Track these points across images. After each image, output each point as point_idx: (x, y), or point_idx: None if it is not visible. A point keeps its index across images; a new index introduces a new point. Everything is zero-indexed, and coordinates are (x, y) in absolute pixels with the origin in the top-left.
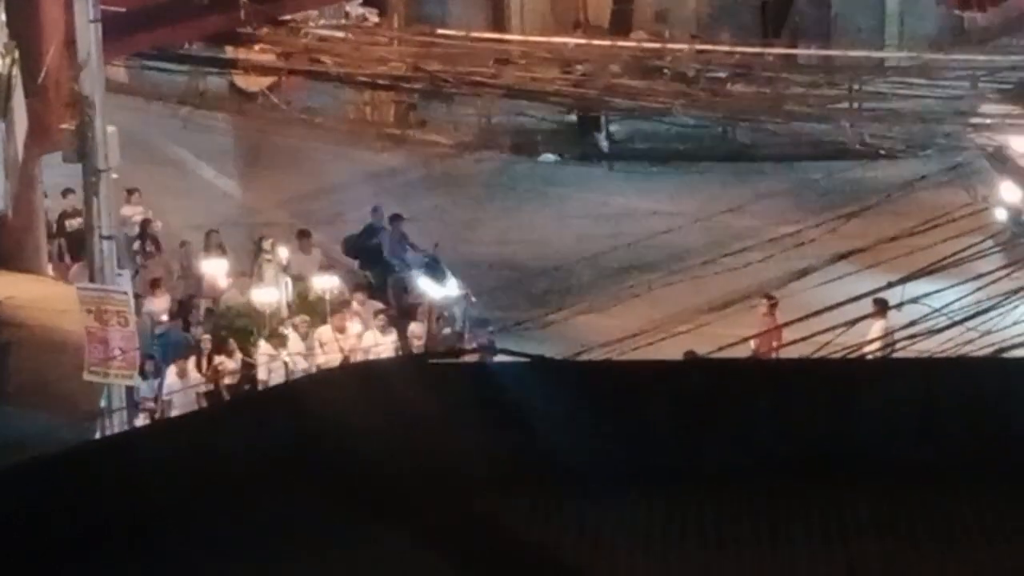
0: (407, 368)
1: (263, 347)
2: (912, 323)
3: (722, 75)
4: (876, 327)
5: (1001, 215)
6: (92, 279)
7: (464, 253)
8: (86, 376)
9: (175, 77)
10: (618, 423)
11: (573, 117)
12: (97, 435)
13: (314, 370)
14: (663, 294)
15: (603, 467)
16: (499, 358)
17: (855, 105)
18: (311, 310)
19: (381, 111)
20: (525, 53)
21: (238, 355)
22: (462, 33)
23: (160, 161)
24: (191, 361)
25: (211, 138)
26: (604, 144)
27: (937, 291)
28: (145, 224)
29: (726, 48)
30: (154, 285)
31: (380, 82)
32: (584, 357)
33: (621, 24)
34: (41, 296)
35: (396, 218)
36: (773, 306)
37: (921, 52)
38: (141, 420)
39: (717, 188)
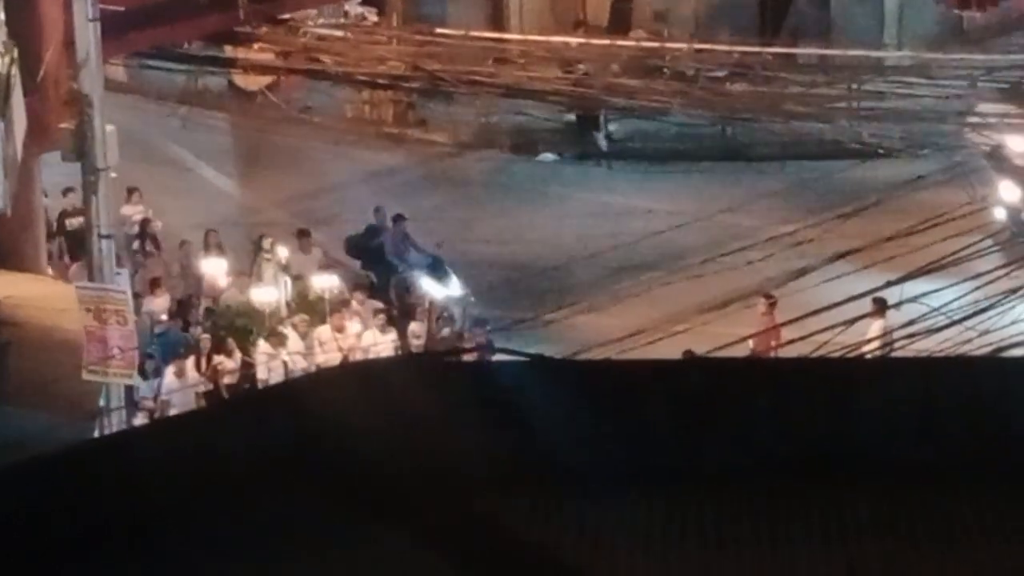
0: (406, 367)
1: (262, 346)
2: (911, 322)
3: (721, 74)
4: (875, 326)
5: (1000, 214)
6: (91, 278)
7: (463, 252)
8: (85, 375)
9: (174, 76)
10: (617, 423)
11: (572, 116)
12: (96, 435)
13: (313, 369)
14: (662, 293)
15: (603, 467)
16: (498, 357)
17: (854, 104)
18: (311, 309)
19: (380, 110)
20: (524, 52)
21: (237, 354)
22: (461, 32)
23: (159, 160)
24: (190, 361)
25: (210, 137)
26: (603, 143)
27: (936, 290)
28: (145, 223)
29: (725, 47)
30: (154, 284)
31: (379, 81)
32: (583, 356)
33: (620, 23)
34: (40, 295)
35: (399, 218)
36: (772, 305)
37: (920, 52)
38: (140, 419)
39: (716, 187)
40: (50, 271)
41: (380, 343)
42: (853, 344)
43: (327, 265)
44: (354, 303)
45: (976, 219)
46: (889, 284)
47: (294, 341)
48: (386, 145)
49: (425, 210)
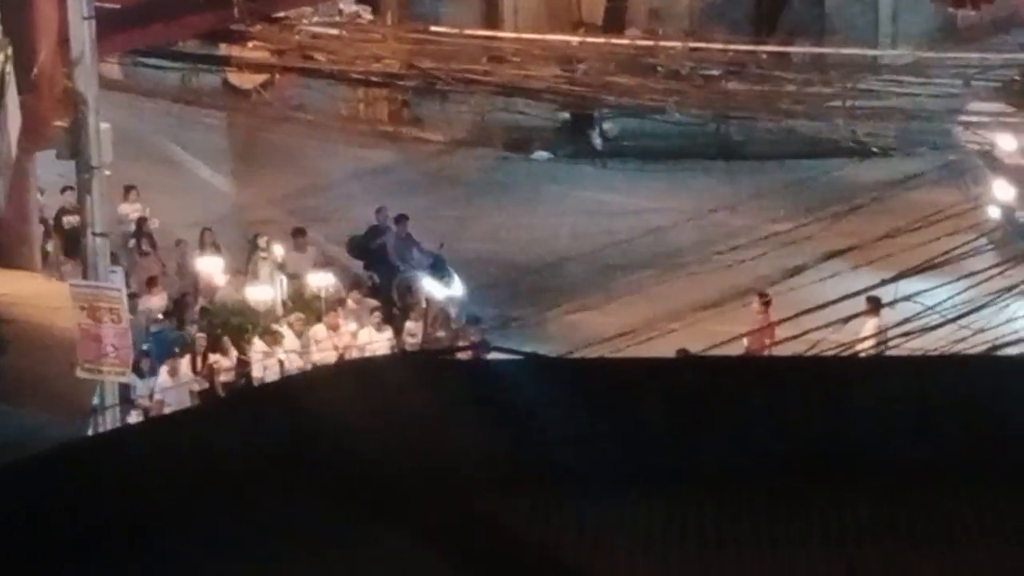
0: (402, 366)
1: (257, 345)
2: (905, 321)
3: (716, 73)
4: (869, 325)
5: (994, 213)
6: (86, 276)
7: (457, 251)
8: (79, 373)
9: (169, 74)
10: (613, 421)
11: (566, 115)
12: (91, 433)
13: (308, 368)
14: (656, 291)
15: (599, 465)
16: (493, 356)
17: (848, 103)
18: (306, 308)
19: (375, 108)
20: (519, 51)
21: (233, 353)
22: (455, 30)
23: (154, 158)
24: (185, 359)
25: (205, 135)
26: (597, 141)
27: (930, 289)
28: (141, 222)
29: (720, 46)
30: (150, 283)
31: (373, 79)
32: (578, 355)
33: (615, 22)
34: (35, 293)
35: (401, 218)
36: (766, 304)
37: (914, 50)
38: (135, 417)
39: (710, 186)
40: (45, 269)
41: (376, 341)
42: (847, 343)
43: (323, 263)
44: (350, 302)
45: (970, 218)
46: (883, 283)
47: (290, 340)
48: (381, 143)
49: (419, 208)
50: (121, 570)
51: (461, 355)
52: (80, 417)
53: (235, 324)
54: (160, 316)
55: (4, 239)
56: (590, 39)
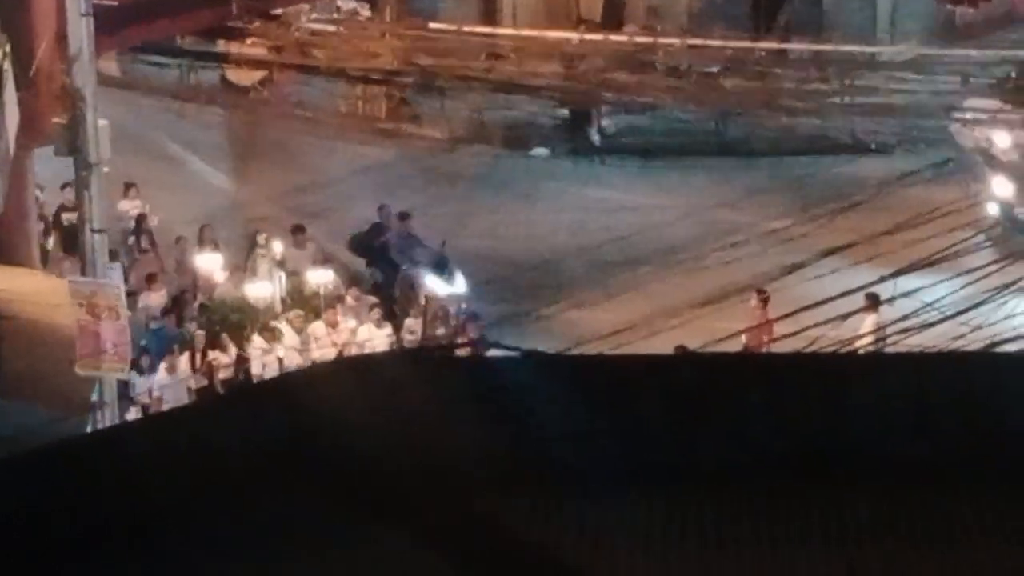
0: (401, 363)
1: (256, 342)
2: (904, 317)
3: (714, 69)
4: (868, 322)
5: (993, 209)
6: (84, 272)
7: (456, 247)
8: (77, 370)
9: (167, 71)
10: (611, 418)
11: (565, 111)
12: (89, 429)
13: (307, 365)
14: (655, 288)
15: (599, 463)
16: (491, 353)
17: (847, 100)
18: (306, 305)
19: (373, 105)
20: (517, 48)
21: (232, 350)
22: (454, 27)
23: (152, 155)
24: (184, 356)
25: (203, 132)
26: (596, 138)
27: (929, 286)
28: (141, 219)
29: (718, 43)
30: (150, 280)
31: (372, 76)
32: (576, 351)
33: (613, 18)
34: (33, 290)
35: (403, 216)
36: (765, 300)
37: (913, 47)
38: (133, 414)
39: (708, 182)
40: (43, 266)
41: (375, 338)
42: (846, 339)
43: (322, 260)
44: (349, 298)
45: (969, 215)
46: (882, 279)
47: (289, 337)
48: (379, 140)
49: (418, 205)
50: (119, 569)
51: (460, 352)
52: (79, 414)
53: (234, 321)
54: (159, 313)
55: (3, 235)
56: (588, 36)
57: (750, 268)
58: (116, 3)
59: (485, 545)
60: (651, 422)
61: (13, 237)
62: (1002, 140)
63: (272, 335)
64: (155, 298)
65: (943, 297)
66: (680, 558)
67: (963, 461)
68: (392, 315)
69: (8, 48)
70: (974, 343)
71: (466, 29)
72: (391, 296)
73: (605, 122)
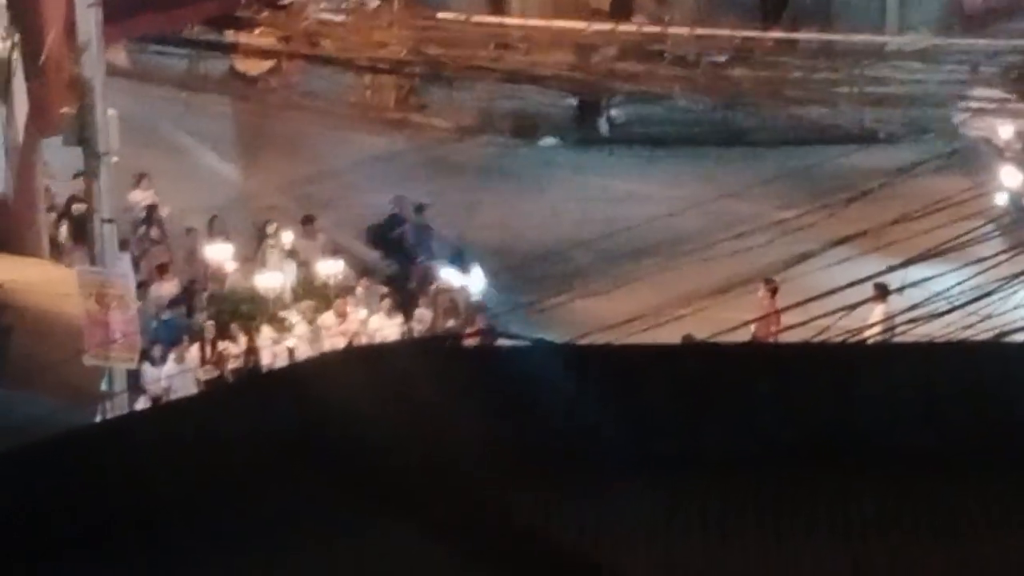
0: (410, 352)
1: (266, 332)
2: (913, 307)
3: (722, 59)
4: (876, 311)
5: (1002, 199)
6: (93, 262)
7: (464, 237)
8: (86, 360)
9: (176, 61)
10: (619, 408)
11: (573, 101)
12: (98, 419)
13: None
14: (663, 278)
15: (606, 454)
16: (499, 342)
17: (855, 90)
18: (316, 295)
19: (381, 95)
20: (525, 37)
21: (242, 340)
22: (462, 17)
23: (161, 145)
24: (194, 347)
25: (211, 122)
26: (604, 128)
27: (938, 275)
28: (151, 209)
29: (726, 32)
30: (161, 270)
31: (380, 66)
32: (584, 341)
33: (622, 8)
34: (42, 280)
35: (420, 208)
36: (773, 290)
37: (921, 37)
38: (143, 404)
39: (717, 172)
40: (56, 256)
41: (385, 328)
42: (855, 329)
43: (332, 251)
44: (359, 289)
45: (978, 204)
46: (891, 269)
47: (300, 327)
48: (387, 130)
49: (426, 195)
50: (125, 562)
51: (469, 341)
52: (88, 404)
53: (244, 312)
54: (169, 304)
55: (11, 225)
56: (597, 26)
57: (758, 258)
58: None
59: (492, 536)
60: (658, 412)
61: (22, 227)
62: (1005, 131)
63: (282, 326)
64: (166, 288)
65: (952, 287)
66: (686, 549)
67: (971, 452)
68: (408, 307)
69: (17, 38)
70: (983, 333)
71: (474, 19)
72: (407, 288)
73: (614, 112)
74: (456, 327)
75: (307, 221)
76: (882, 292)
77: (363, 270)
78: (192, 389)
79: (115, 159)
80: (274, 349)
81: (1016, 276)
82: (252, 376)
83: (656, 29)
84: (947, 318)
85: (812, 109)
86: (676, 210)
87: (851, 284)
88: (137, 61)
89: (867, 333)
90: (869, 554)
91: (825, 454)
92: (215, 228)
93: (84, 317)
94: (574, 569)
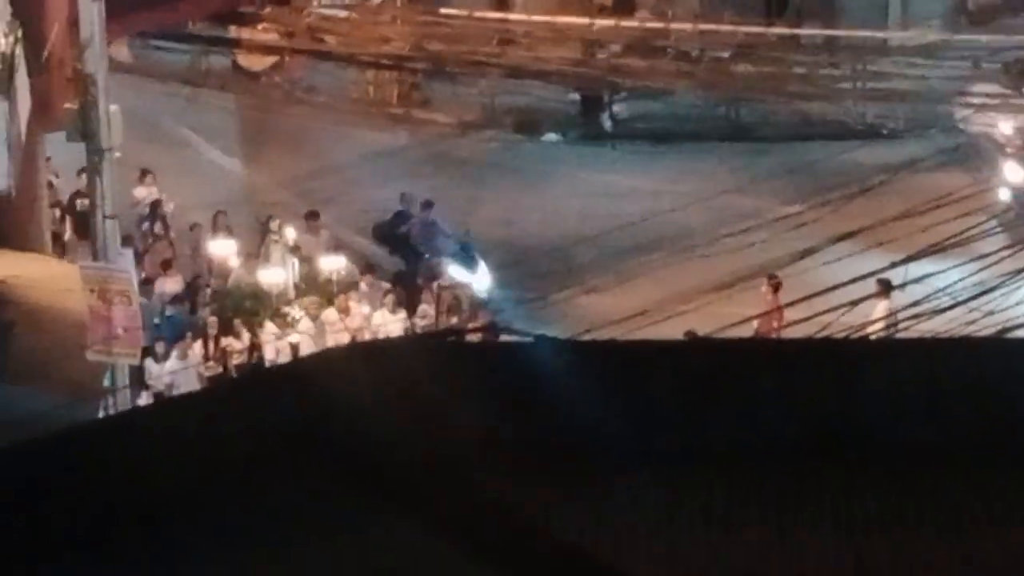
0: (413, 348)
1: (269, 328)
2: (915, 303)
3: (725, 55)
4: (879, 307)
5: (1004, 195)
6: (95, 258)
7: (471, 233)
8: (89, 355)
9: (178, 56)
10: (623, 403)
11: (576, 97)
12: (101, 415)
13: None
14: (666, 274)
15: (610, 449)
16: (503, 337)
17: (858, 85)
18: (319, 291)
19: (384, 90)
20: (528, 33)
21: (246, 336)
22: (465, 13)
23: (163, 141)
24: (197, 343)
25: (215, 118)
26: (607, 124)
27: (940, 271)
28: (155, 205)
29: (729, 28)
30: (165, 266)
31: (383, 61)
32: (587, 337)
33: (625, 4)
34: (45, 275)
35: (427, 204)
36: (776, 286)
37: (925, 32)
38: (146, 400)
39: (720, 168)
40: (59, 251)
41: (389, 324)
42: (857, 325)
43: (335, 247)
44: (363, 285)
45: (980, 200)
46: (893, 265)
47: (303, 323)
48: (390, 125)
49: (429, 190)
50: (128, 557)
51: (472, 337)
52: (90, 399)
53: (247, 307)
54: (172, 299)
55: (14, 221)
56: (600, 21)
57: (761, 253)
58: None
59: (496, 530)
60: (661, 408)
61: (24, 222)
62: (1005, 127)
63: (285, 321)
64: (170, 284)
65: (955, 283)
66: (689, 543)
67: (974, 448)
68: (414, 304)
69: (20, 33)
70: (986, 329)
71: (477, 14)
72: (414, 285)
73: (616, 108)
74: (459, 323)
75: (310, 217)
76: (885, 288)
77: (366, 266)
78: (195, 385)
79: (118, 155)
80: (277, 345)
81: (1019, 272)
82: (255, 372)
83: (659, 25)
84: (949, 314)
85: (815, 105)
86: (679, 206)
87: (854, 280)
88: (140, 56)
89: (870, 329)
90: (872, 549)
91: (828, 450)
92: (219, 224)
93: (87, 312)
94: (577, 563)
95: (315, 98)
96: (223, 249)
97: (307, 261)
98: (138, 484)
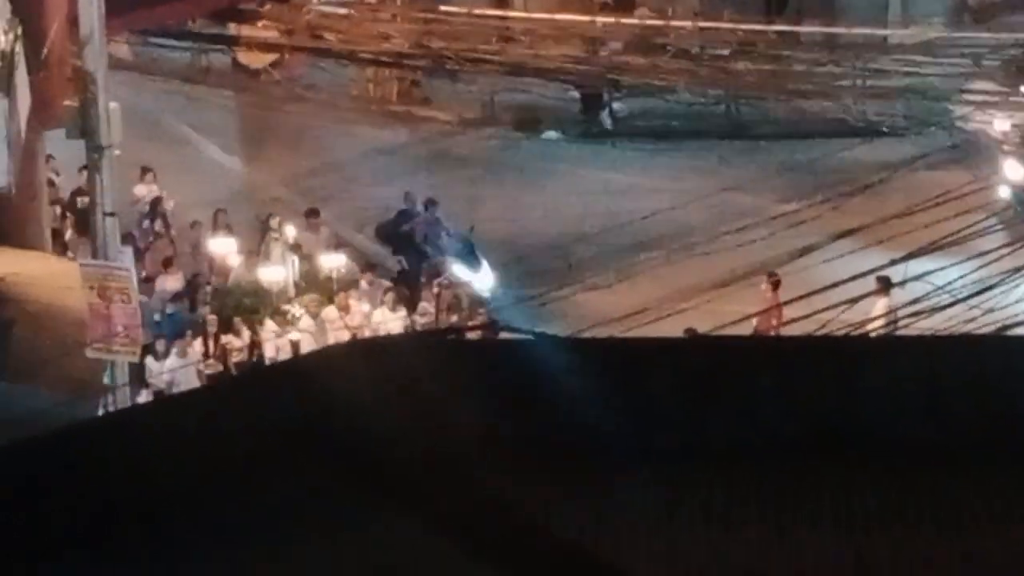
0: (413, 345)
1: (269, 326)
2: (915, 301)
3: (725, 53)
4: (879, 305)
5: (1004, 193)
6: (95, 256)
7: (475, 232)
8: (88, 353)
9: (178, 54)
10: (622, 401)
11: (576, 94)
12: (100, 412)
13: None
14: (665, 271)
15: (609, 447)
16: (502, 335)
17: (858, 83)
18: (320, 289)
19: (384, 88)
20: (528, 30)
21: (246, 333)
22: (465, 10)
23: (163, 138)
24: (197, 340)
25: (214, 115)
26: (607, 121)
27: (940, 269)
28: (156, 203)
29: (729, 25)
30: (166, 264)
31: (383, 59)
32: (587, 335)
33: (625, 1)
34: (45, 273)
35: (431, 203)
36: (775, 284)
37: (924, 30)
38: (145, 398)
39: (719, 166)
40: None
41: (389, 322)
42: (857, 323)
43: (336, 244)
44: (363, 283)
45: (980, 198)
46: (893, 263)
47: (304, 321)
48: (390, 123)
49: (429, 188)
50: (128, 555)
51: (472, 335)
52: (90, 397)
53: (247, 305)
54: (173, 297)
55: (14, 218)
56: (600, 19)
57: (761, 251)
58: None
59: (495, 528)
60: (661, 405)
61: (24, 220)
62: (1001, 124)
63: (285, 319)
64: (171, 282)
65: (954, 280)
66: (689, 541)
67: (974, 445)
68: (417, 302)
69: (20, 31)
70: (985, 327)
71: (477, 12)
72: (418, 283)
73: (616, 105)
74: (459, 321)
75: (311, 214)
76: (885, 285)
77: (367, 264)
78: (195, 383)
79: (117, 152)
80: (277, 343)
81: (1019, 270)
82: (256, 370)
83: (659, 22)
84: (949, 311)
85: (815, 102)
86: (679, 203)
87: (854, 277)
88: (140, 54)
89: (869, 327)
90: (872, 547)
91: (828, 447)
92: (219, 222)
93: (86, 310)
94: (577, 561)
95: (315, 95)
96: (223, 247)
97: (307, 259)
98: (138, 482)
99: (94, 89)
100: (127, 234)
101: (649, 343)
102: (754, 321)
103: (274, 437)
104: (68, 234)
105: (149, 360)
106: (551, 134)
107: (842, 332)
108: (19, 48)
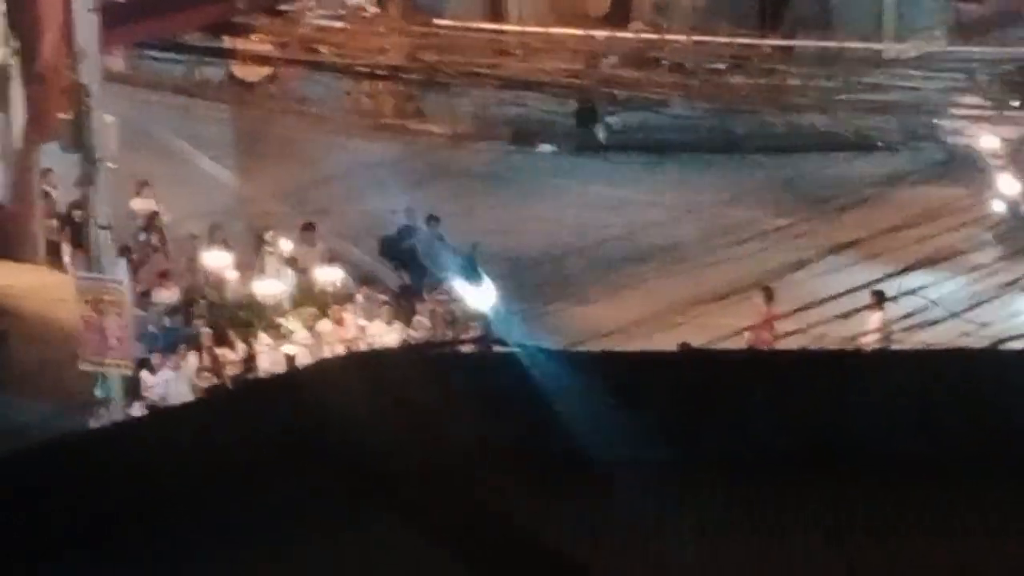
0: (407, 358)
1: (263, 339)
2: (909, 315)
3: (720, 66)
4: (873, 319)
5: (999, 207)
6: (89, 268)
7: (461, 243)
8: (81, 365)
9: (173, 67)
10: (617, 415)
11: (571, 108)
12: (93, 424)
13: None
14: (659, 285)
15: (603, 459)
16: (496, 349)
17: (852, 97)
18: (315, 302)
19: (379, 101)
20: (523, 44)
21: (241, 347)
22: (460, 24)
23: (158, 151)
24: (192, 354)
25: (209, 128)
26: (601, 135)
27: (934, 283)
28: (152, 217)
29: (724, 39)
30: (162, 277)
31: (378, 72)
32: (581, 348)
33: (619, 15)
34: (39, 285)
35: (433, 219)
36: (769, 297)
37: (918, 44)
38: (139, 411)
39: (714, 179)
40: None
41: (385, 335)
42: (851, 336)
43: (331, 258)
44: (359, 297)
45: (975, 212)
46: (887, 277)
47: (299, 334)
48: (385, 136)
49: (424, 201)
50: (131, 558)
51: (466, 348)
52: (83, 409)
53: (242, 319)
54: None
55: (8, 231)
56: (594, 33)
57: (755, 265)
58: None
59: (491, 538)
60: (655, 418)
61: (19, 233)
62: (987, 140)
63: (279, 333)
64: (167, 295)
65: (948, 295)
66: (683, 552)
67: (968, 459)
68: (409, 314)
69: (16, 44)
70: (979, 340)
71: (472, 26)
72: (419, 299)
73: (611, 119)
74: (454, 336)
75: (306, 228)
76: (879, 299)
77: (363, 277)
78: (189, 397)
79: (113, 165)
80: (273, 356)
81: (1012, 284)
82: (251, 382)
83: (654, 36)
84: (943, 325)
85: (809, 116)
86: (673, 217)
87: (847, 291)
88: (135, 67)
89: (863, 340)
90: (864, 559)
91: (821, 460)
92: (215, 237)
93: (80, 323)
94: (571, 570)
95: (310, 109)
96: (219, 260)
97: (303, 273)
98: (139, 487)
99: (89, 102)
100: (123, 247)
101: (643, 356)
102: (748, 335)
103: (269, 450)
104: (65, 247)
105: (143, 373)
106: (546, 147)
107: (836, 346)
108: (14, 61)
